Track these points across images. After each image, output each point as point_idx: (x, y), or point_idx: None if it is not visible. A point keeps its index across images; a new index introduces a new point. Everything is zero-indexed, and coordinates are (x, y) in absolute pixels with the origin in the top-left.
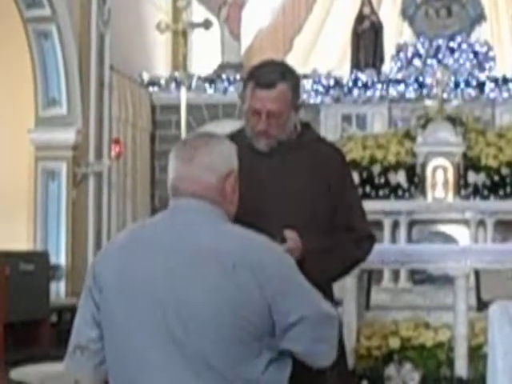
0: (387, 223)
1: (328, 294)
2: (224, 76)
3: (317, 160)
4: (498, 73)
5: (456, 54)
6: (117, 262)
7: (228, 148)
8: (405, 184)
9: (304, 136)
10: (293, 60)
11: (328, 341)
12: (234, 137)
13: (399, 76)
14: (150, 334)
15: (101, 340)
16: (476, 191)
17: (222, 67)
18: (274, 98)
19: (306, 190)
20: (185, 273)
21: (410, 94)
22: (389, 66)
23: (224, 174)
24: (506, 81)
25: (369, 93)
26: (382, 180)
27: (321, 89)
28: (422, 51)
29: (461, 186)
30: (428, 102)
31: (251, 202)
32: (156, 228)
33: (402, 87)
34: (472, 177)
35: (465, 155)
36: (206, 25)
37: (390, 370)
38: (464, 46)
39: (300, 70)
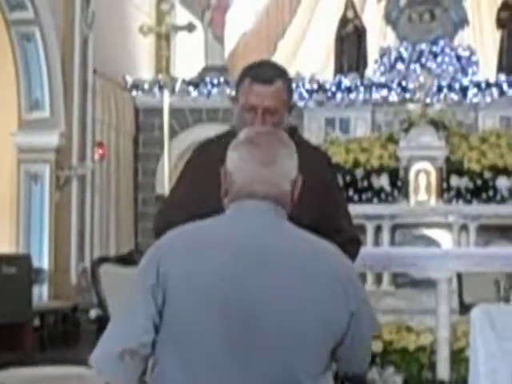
0: (370, 227)
1: None
2: (208, 79)
3: (304, 163)
4: (480, 77)
5: (439, 59)
6: (186, 262)
7: (294, 150)
8: (388, 188)
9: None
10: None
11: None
12: (223, 138)
13: (382, 80)
14: (222, 340)
15: (151, 346)
16: (459, 195)
17: (206, 70)
18: (271, 93)
19: None
20: (267, 279)
21: (393, 97)
22: (372, 70)
23: (294, 178)
24: (488, 85)
25: (352, 96)
26: (365, 184)
27: (304, 92)
28: (405, 55)
29: (443, 189)
30: (411, 106)
31: None
32: (230, 228)
33: (385, 91)
34: (455, 181)
35: (448, 159)
36: (190, 28)
37: (373, 373)
38: (447, 50)
39: None
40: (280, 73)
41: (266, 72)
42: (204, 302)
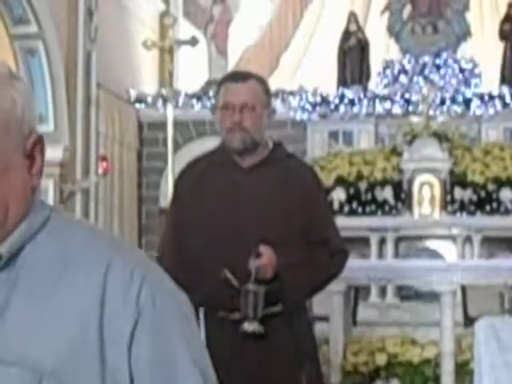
0: (374, 239)
1: (303, 309)
2: (211, 93)
3: (289, 176)
4: (483, 89)
5: (442, 71)
6: None
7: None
8: (391, 200)
9: (275, 153)
10: (280, 77)
11: None
12: (213, 154)
13: (385, 92)
14: None
15: None
16: (462, 207)
17: (209, 84)
18: (247, 89)
19: (281, 205)
20: None
21: (397, 110)
22: (375, 83)
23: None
24: (491, 97)
25: (355, 109)
26: (369, 196)
27: (307, 105)
28: (408, 68)
29: (447, 202)
30: (414, 119)
31: (227, 217)
32: None
33: (388, 104)
34: (458, 193)
35: (451, 171)
36: (193, 42)
37: None
38: (450, 62)
39: (287, 86)
40: (255, 76)
41: (241, 73)
42: None
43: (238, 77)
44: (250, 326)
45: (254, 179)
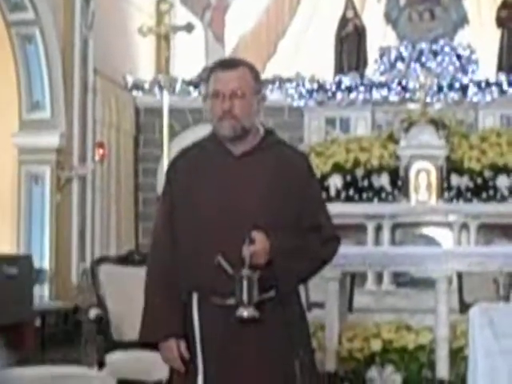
0: (371, 226)
1: (297, 296)
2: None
3: (281, 163)
4: (480, 76)
5: (439, 58)
6: None
7: None
8: (388, 187)
9: (267, 139)
10: (277, 63)
11: None
12: (205, 141)
13: (382, 79)
14: None
15: None
16: (459, 194)
17: (206, 70)
18: (236, 77)
19: (271, 192)
20: None
21: (394, 97)
22: (372, 70)
23: None
24: (488, 84)
25: (352, 96)
26: (366, 183)
27: (304, 92)
28: (405, 54)
29: (444, 188)
30: (411, 106)
31: (219, 204)
32: None
33: (385, 91)
34: (455, 180)
35: (448, 158)
36: (189, 28)
37: (372, 372)
38: (447, 49)
39: (284, 73)
40: (245, 62)
41: (230, 61)
42: None
43: (226, 65)
44: (244, 312)
45: (245, 166)
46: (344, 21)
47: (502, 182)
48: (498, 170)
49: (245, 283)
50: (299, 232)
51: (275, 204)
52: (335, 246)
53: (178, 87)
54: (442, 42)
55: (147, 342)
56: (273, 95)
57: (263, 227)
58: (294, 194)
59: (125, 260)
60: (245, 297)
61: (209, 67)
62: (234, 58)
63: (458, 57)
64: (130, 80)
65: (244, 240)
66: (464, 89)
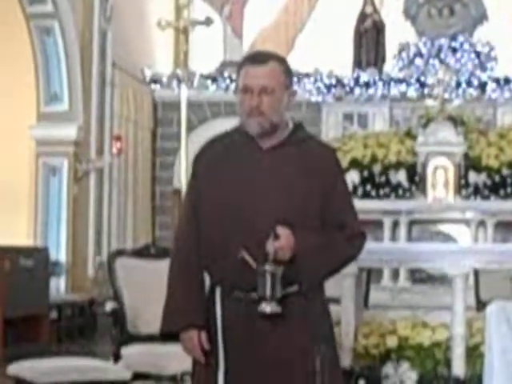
0: (387, 222)
1: (320, 291)
2: (226, 74)
3: (309, 158)
4: (499, 73)
5: (458, 54)
6: None
7: None
8: (405, 183)
9: (296, 134)
10: (295, 58)
11: None
12: (233, 134)
13: (401, 75)
14: None
15: None
16: (477, 191)
17: (224, 65)
18: (266, 72)
19: (298, 186)
20: None
21: (412, 93)
22: (390, 65)
23: None
24: (507, 81)
25: (370, 92)
26: (383, 179)
27: (322, 87)
28: (423, 51)
29: (461, 185)
30: (429, 102)
31: (245, 197)
32: None
33: (403, 86)
34: (473, 177)
35: (466, 155)
36: (207, 22)
37: (388, 368)
38: (466, 45)
39: (302, 68)
40: (275, 56)
41: (260, 55)
42: None
43: (257, 59)
44: (267, 307)
45: (273, 160)
46: (363, 16)
47: None
48: None
49: (268, 278)
50: (324, 228)
51: (301, 199)
52: (361, 242)
53: (196, 81)
54: (461, 38)
55: (168, 333)
56: (296, 90)
57: (289, 222)
58: (321, 189)
59: (141, 253)
60: (268, 292)
61: (240, 61)
62: (265, 51)
63: (477, 53)
64: (148, 74)
65: (269, 235)
66: (482, 86)
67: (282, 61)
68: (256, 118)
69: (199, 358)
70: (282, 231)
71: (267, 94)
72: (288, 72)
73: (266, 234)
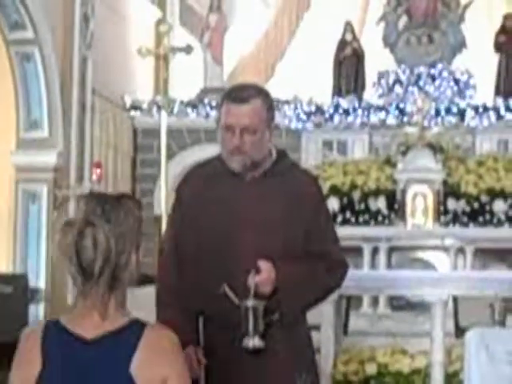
0: (367, 249)
1: (303, 321)
2: (206, 101)
3: (292, 187)
4: (478, 101)
5: (437, 82)
6: None
7: None
8: (385, 210)
9: (279, 163)
10: (275, 86)
11: None
12: (211, 163)
13: (380, 103)
14: None
15: None
16: (456, 218)
17: (205, 92)
18: (247, 112)
19: (281, 217)
20: None
21: (391, 120)
22: (370, 93)
23: None
24: (486, 109)
25: (350, 119)
26: (363, 206)
27: (302, 114)
28: (403, 78)
29: (440, 212)
30: (409, 129)
31: (225, 229)
32: None
33: (382, 114)
34: (452, 204)
35: (445, 182)
36: (187, 50)
37: None
38: (445, 73)
39: (281, 95)
40: (258, 92)
41: (243, 91)
42: None
43: (239, 97)
44: (250, 342)
45: (255, 192)
46: (342, 44)
47: (499, 206)
48: (494, 194)
49: (250, 314)
50: (306, 257)
51: (282, 232)
52: (343, 272)
53: (176, 108)
54: (440, 66)
55: None
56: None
57: (270, 256)
58: (304, 219)
59: None
60: (250, 327)
61: (222, 94)
62: (247, 85)
63: (456, 81)
64: (128, 100)
65: (250, 269)
66: (461, 113)
67: (264, 96)
68: (238, 157)
69: (198, 375)
70: (264, 265)
71: (249, 134)
72: (270, 107)
73: (247, 268)
